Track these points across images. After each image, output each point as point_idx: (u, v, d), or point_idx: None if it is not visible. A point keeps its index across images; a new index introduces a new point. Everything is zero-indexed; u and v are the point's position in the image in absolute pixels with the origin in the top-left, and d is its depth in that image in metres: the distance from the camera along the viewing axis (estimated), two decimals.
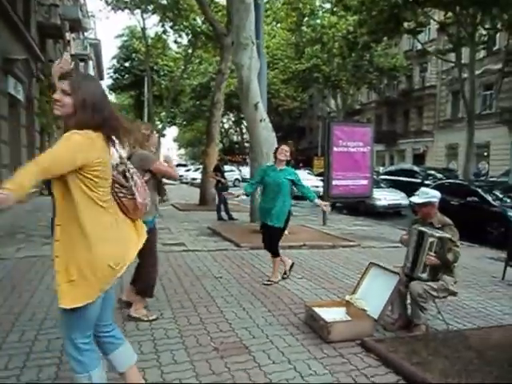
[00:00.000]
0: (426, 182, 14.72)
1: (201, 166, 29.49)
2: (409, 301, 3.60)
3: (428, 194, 3.67)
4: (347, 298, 3.77)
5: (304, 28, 28.39)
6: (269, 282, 4.82)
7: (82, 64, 30.56)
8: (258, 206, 5.04)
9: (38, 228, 8.22)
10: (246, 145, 51.15)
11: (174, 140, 75.28)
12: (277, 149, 4.99)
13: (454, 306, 4.24)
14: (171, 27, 22.99)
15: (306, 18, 27.71)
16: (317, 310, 3.53)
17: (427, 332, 3.48)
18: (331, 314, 3.48)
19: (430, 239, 3.37)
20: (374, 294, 3.59)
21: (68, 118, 1.91)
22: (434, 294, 3.43)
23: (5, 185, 1.63)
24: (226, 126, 52.53)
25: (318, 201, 4.88)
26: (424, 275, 3.41)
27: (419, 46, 27.71)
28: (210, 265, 5.66)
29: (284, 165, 4.88)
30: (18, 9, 12.49)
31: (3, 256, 5.81)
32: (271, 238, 4.91)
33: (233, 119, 50.37)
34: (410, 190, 13.35)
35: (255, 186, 5.17)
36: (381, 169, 24.04)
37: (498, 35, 21.58)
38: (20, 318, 3.56)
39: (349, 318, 3.58)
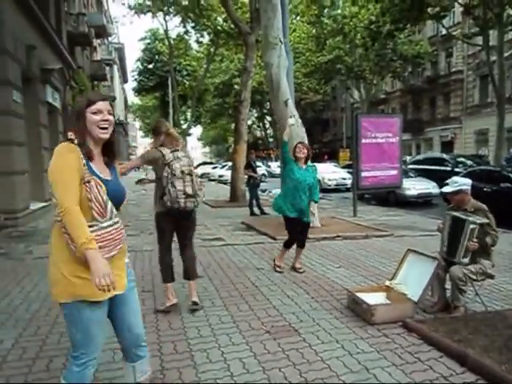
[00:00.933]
0: (456, 170, 14.59)
1: (227, 163, 30.02)
2: (448, 284, 3.77)
3: (458, 182, 3.81)
4: (387, 283, 3.97)
5: (325, 19, 28.27)
6: (302, 270, 5.15)
7: (107, 68, 31.45)
8: (282, 200, 5.09)
9: None
10: (270, 140, 51.38)
11: (199, 139, 76.20)
12: (294, 147, 5.15)
13: (490, 289, 4.37)
14: (193, 27, 23.44)
15: (327, 10, 27.59)
16: (359, 294, 3.75)
17: (466, 313, 3.64)
18: (372, 299, 3.69)
19: (472, 226, 3.52)
20: (413, 278, 3.78)
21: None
22: (473, 277, 3.60)
23: None
24: (249, 121, 52.78)
25: (313, 205, 5.17)
26: (466, 260, 3.57)
27: (444, 31, 27.10)
28: (250, 257, 5.95)
29: (304, 162, 5.06)
30: (51, 19, 13.08)
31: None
32: (306, 232, 5.20)
33: (256, 115, 50.62)
34: (439, 178, 13.30)
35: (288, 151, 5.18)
36: (408, 158, 23.79)
37: None
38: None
39: (389, 302, 3.79)
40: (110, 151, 2.06)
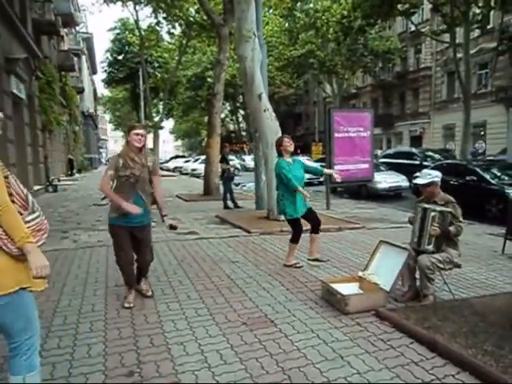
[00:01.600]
0: (425, 164, 15.01)
1: (200, 157, 29.78)
2: (417, 274, 3.90)
3: (430, 175, 3.95)
4: (360, 273, 4.07)
5: (297, 13, 28.35)
6: (299, 265, 5.05)
7: (75, 59, 30.50)
8: (286, 202, 4.96)
9: (53, 223, 8.47)
10: (243, 133, 51.32)
11: (171, 132, 75.19)
12: (280, 141, 5.10)
13: (458, 278, 4.55)
14: (164, 18, 22.95)
15: (299, 3, 27.66)
16: (333, 285, 3.82)
17: (435, 301, 3.79)
18: (346, 289, 3.78)
19: (432, 213, 3.73)
20: (385, 268, 3.89)
21: None
22: (441, 265, 3.74)
23: None
24: (223, 115, 52.48)
25: (327, 171, 5.35)
26: (430, 247, 3.74)
27: (413, 28, 27.73)
28: (224, 250, 5.95)
29: (289, 156, 5.08)
30: (15, 7, 12.56)
31: None
32: (315, 215, 5.27)
33: (229, 108, 50.36)
34: (409, 172, 13.67)
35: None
36: (379, 152, 24.31)
37: (491, 13, 21.61)
38: (59, 305, 3.85)
39: (362, 292, 3.88)
40: None
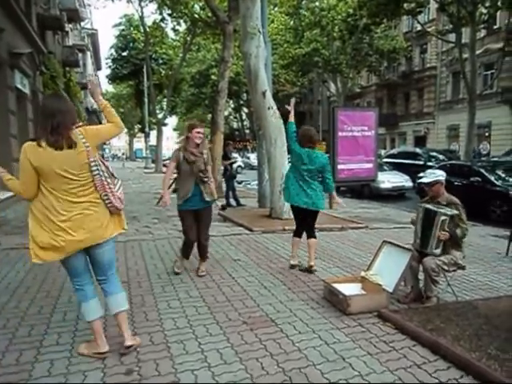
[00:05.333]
0: (429, 164, 14.94)
1: None
2: (421, 275, 3.85)
3: (435, 174, 3.89)
4: (362, 274, 4.03)
5: (303, 11, 28.22)
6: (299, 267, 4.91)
7: (80, 54, 30.47)
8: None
9: None
10: (247, 131, 51.25)
11: (174, 129, 75.15)
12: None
13: (461, 280, 4.51)
14: (169, 15, 22.89)
15: (305, 1, 27.56)
16: (335, 285, 3.78)
17: (438, 303, 3.74)
18: (348, 289, 3.73)
19: (443, 217, 3.62)
20: (388, 269, 3.85)
21: None
22: (446, 268, 3.69)
23: None
24: (226, 112, 52.42)
25: None
26: (437, 251, 3.67)
27: (419, 27, 27.58)
28: (226, 248, 5.92)
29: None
30: (20, 1, 12.51)
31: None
32: None
33: (232, 106, 50.30)
34: (412, 172, 13.61)
35: None
36: (382, 152, 24.19)
37: (498, 13, 21.44)
38: (59, 301, 3.83)
39: (365, 293, 3.84)
40: None
